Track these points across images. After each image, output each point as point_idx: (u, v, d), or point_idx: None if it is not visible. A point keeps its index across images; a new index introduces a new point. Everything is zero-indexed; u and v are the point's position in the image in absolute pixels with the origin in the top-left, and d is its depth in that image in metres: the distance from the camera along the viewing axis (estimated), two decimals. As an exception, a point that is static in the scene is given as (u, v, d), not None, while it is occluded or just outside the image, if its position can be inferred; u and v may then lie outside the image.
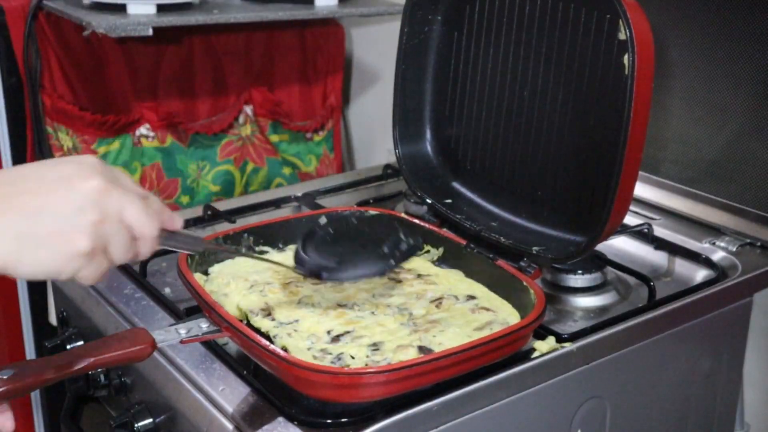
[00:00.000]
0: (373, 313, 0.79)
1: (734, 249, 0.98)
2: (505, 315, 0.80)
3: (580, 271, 0.93)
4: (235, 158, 1.55)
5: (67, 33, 1.36)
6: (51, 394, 1.47)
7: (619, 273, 0.96)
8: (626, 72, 0.75)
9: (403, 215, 0.94)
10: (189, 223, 1.07)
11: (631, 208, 1.10)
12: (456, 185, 1.00)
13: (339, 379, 0.65)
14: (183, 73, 1.48)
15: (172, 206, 1.50)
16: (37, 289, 1.47)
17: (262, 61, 1.55)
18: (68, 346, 0.93)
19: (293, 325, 0.77)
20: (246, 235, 0.90)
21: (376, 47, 1.65)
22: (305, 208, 1.11)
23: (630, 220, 1.07)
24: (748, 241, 0.99)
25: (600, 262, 0.95)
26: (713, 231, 1.03)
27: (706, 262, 0.97)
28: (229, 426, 0.71)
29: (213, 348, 0.80)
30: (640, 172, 1.10)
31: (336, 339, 0.74)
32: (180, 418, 0.77)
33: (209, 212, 1.07)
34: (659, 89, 1.07)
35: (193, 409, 0.75)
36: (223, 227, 1.04)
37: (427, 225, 0.92)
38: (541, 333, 0.81)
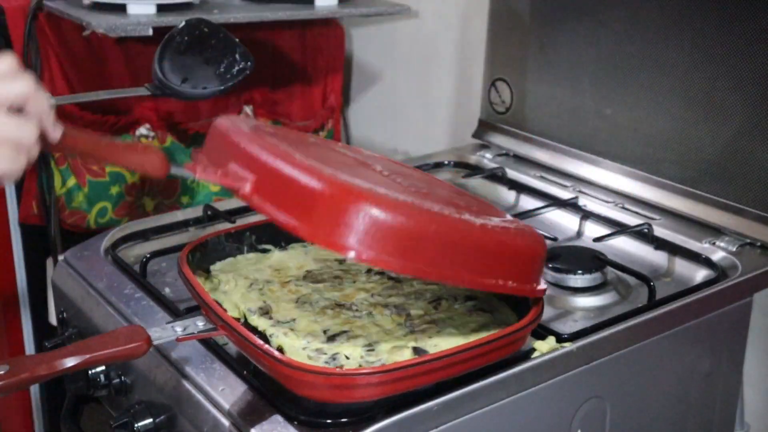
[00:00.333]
0: (370, 313, 0.79)
1: (734, 249, 0.98)
2: (504, 316, 0.80)
3: (580, 271, 0.93)
4: (235, 158, 1.55)
5: (67, 33, 1.36)
6: (51, 394, 1.47)
7: (619, 273, 0.96)
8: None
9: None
10: (189, 223, 1.08)
11: (631, 208, 1.10)
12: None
13: (331, 379, 0.65)
14: (183, 73, 1.48)
15: (173, 206, 1.50)
16: (37, 289, 1.47)
17: (262, 61, 1.55)
18: (68, 346, 0.93)
19: (290, 324, 0.77)
20: (248, 233, 0.91)
21: (376, 47, 1.65)
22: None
23: (630, 220, 1.07)
24: (748, 241, 0.99)
25: (600, 262, 0.95)
26: (713, 231, 1.03)
27: (706, 262, 0.97)
28: (230, 426, 0.71)
29: (213, 348, 0.80)
30: (640, 172, 1.11)
31: (332, 339, 0.74)
32: (180, 418, 0.77)
33: (209, 212, 1.07)
34: (659, 89, 1.07)
35: (193, 409, 0.75)
36: (224, 227, 1.04)
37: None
38: (541, 333, 0.81)
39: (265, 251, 0.91)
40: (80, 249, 1.01)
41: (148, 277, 0.95)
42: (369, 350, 0.73)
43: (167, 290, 0.93)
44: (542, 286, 0.75)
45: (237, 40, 1.00)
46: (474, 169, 1.27)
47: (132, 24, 1.24)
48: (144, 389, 0.83)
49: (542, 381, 0.77)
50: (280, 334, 0.75)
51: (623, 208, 1.10)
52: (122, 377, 0.86)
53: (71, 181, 1.41)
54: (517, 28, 1.25)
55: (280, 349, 0.73)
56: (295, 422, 0.69)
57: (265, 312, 0.79)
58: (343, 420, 0.69)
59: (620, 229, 1.05)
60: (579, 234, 1.10)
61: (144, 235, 1.05)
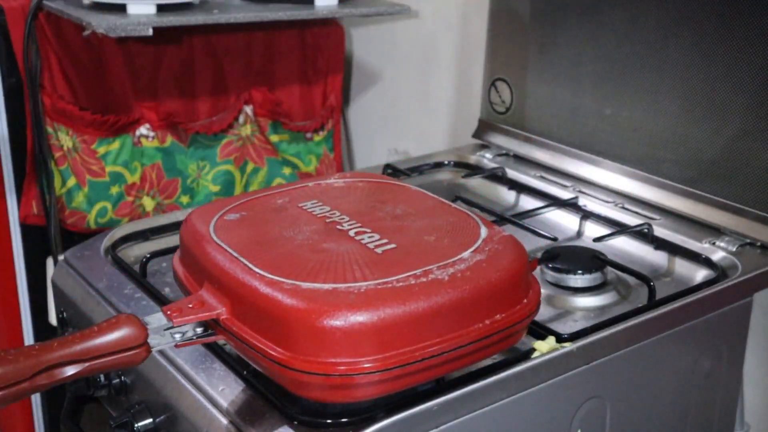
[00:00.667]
0: None
1: (734, 249, 0.98)
2: None
3: (580, 271, 0.93)
4: (235, 158, 1.55)
5: (67, 33, 1.36)
6: (51, 394, 1.47)
7: (619, 273, 0.96)
8: None
9: None
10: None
11: (631, 208, 1.10)
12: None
13: (330, 379, 0.65)
14: (183, 73, 1.48)
15: (173, 206, 1.50)
16: (37, 289, 1.47)
17: (262, 61, 1.55)
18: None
19: None
20: None
21: (376, 47, 1.65)
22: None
23: (630, 220, 1.07)
24: (748, 241, 0.99)
25: (600, 262, 0.95)
26: (713, 231, 1.03)
27: (706, 262, 0.97)
28: (230, 426, 0.71)
29: (213, 348, 0.80)
30: (640, 172, 1.11)
31: None
32: (180, 418, 0.77)
33: (209, 212, 1.07)
34: (659, 89, 1.07)
35: (193, 409, 0.75)
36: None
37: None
38: (541, 333, 0.81)
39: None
40: (80, 249, 1.01)
41: (148, 277, 0.95)
42: None
43: (167, 290, 0.93)
44: (532, 292, 0.74)
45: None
46: (474, 169, 1.27)
47: (132, 24, 1.24)
48: (144, 389, 0.83)
49: (542, 381, 0.77)
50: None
51: (623, 208, 1.10)
52: (122, 377, 0.86)
53: (71, 181, 1.41)
54: (517, 28, 1.25)
55: None
56: (295, 422, 0.69)
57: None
58: (343, 420, 0.69)
59: (620, 229, 1.05)
60: (579, 234, 1.10)
61: (144, 235, 1.05)
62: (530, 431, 0.79)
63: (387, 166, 1.23)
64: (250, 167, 1.58)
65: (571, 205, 1.12)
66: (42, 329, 1.49)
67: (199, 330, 0.72)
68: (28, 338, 1.49)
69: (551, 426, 0.80)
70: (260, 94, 1.55)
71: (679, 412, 0.93)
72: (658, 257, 1.02)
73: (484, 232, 0.77)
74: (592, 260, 0.95)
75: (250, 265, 0.70)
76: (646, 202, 1.10)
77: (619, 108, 1.13)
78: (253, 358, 0.69)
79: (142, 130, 1.46)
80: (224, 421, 0.72)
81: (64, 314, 0.98)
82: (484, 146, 1.33)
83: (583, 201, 1.13)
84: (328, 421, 0.69)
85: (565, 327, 0.87)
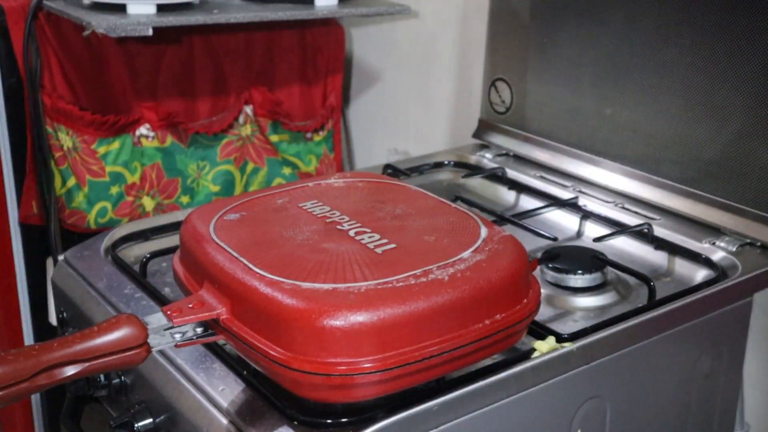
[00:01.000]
0: None
1: (734, 249, 0.98)
2: None
3: (580, 271, 0.93)
4: (235, 158, 1.55)
5: (67, 33, 1.36)
6: (51, 394, 1.47)
7: (619, 273, 0.96)
8: None
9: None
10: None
11: (631, 208, 1.10)
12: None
13: (330, 379, 0.65)
14: (183, 73, 1.48)
15: (173, 206, 1.50)
16: (37, 289, 1.47)
17: (262, 61, 1.55)
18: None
19: None
20: None
21: (376, 47, 1.65)
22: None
23: (630, 220, 1.07)
24: (748, 241, 0.99)
25: (600, 262, 0.95)
26: (713, 231, 1.03)
27: (706, 262, 0.97)
28: (230, 426, 0.71)
29: (213, 348, 0.80)
30: (640, 172, 1.11)
31: None
32: (180, 418, 0.77)
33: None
34: (659, 89, 1.07)
35: (193, 409, 0.75)
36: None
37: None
38: (541, 333, 0.81)
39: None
40: (80, 249, 1.01)
41: (148, 277, 0.95)
42: None
43: (167, 290, 0.93)
44: (532, 292, 0.74)
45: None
46: (474, 169, 1.27)
47: (132, 24, 1.24)
48: (144, 389, 0.83)
49: (542, 381, 0.77)
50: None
51: (623, 208, 1.10)
52: (122, 377, 0.86)
53: (71, 181, 1.41)
54: (517, 28, 1.25)
55: None
56: (295, 422, 0.69)
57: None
58: (343, 420, 0.69)
59: (620, 229, 1.05)
60: (579, 234, 1.10)
61: (144, 235, 1.05)
62: (530, 431, 0.79)
63: (387, 166, 1.23)
64: (250, 167, 1.58)
65: (571, 205, 1.12)
66: (42, 329, 1.49)
67: (199, 330, 0.72)
68: (28, 338, 1.49)
69: (551, 426, 0.80)
70: (260, 94, 1.55)
71: (679, 412, 0.93)
72: (658, 257, 1.02)
73: (484, 232, 0.77)
74: (592, 260, 0.95)
75: (250, 265, 0.70)
76: (646, 202, 1.10)
77: (619, 108, 1.13)
78: (253, 358, 0.69)
79: (142, 130, 1.46)
80: (224, 421, 0.72)
81: (64, 314, 0.98)
82: (484, 146, 1.33)
83: (583, 201, 1.13)
84: (328, 421, 0.69)
85: (565, 327, 0.87)
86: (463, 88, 1.48)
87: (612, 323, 0.83)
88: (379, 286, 0.67)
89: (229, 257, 0.72)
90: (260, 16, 1.38)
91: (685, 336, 0.89)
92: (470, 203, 1.11)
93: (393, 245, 0.74)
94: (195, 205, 1.43)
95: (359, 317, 0.64)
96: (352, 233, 0.76)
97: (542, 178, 1.21)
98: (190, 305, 0.71)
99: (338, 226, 0.78)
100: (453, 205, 0.84)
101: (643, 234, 1.03)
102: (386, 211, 0.81)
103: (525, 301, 0.73)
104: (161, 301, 0.89)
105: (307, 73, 1.60)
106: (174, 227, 1.06)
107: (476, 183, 1.24)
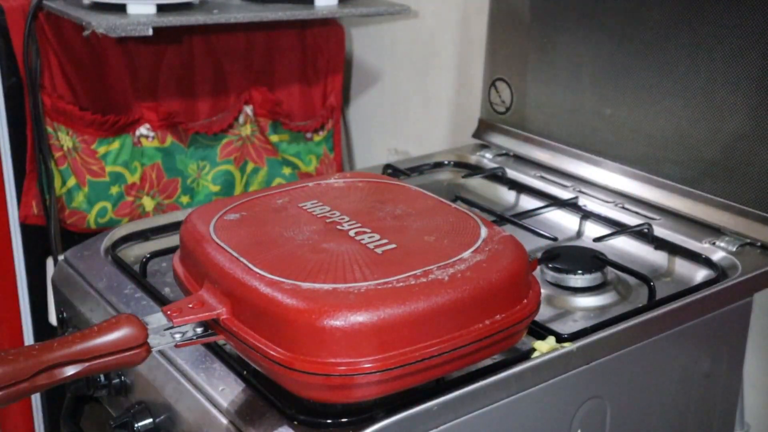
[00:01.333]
0: None
1: (734, 249, 0.98)
2: None
3: (580, 271, 0.93)
4: (235, 158, 1.55)
5: (67, 33, 1.36)
6: (51, 394, 1.47)
7: (619, 273, 0.96)
8: None
9: None
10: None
11: (631, 208, 1.10)
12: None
13: (330, 380, 0.65)
14: (183, 73, 1.48)
15: (173, 206, 1.50)
16: (37, 289, 1.47)
17: (262, 61, 1.55)
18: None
19: None
20: None
21: (376, 47, 1.65)
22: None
23: (630, 220, 1.07)
24: (748, 241, 0.99)
25: (600, 262, 0.95)
26: (713, 231, 1.03)
27: (706, 262, 0.97)
28: (230, 426, 0.71)
29: (213, 348, 0.80)
30: (640, 172, 1.11)
31: None
32: (180, 418, 0.77)
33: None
34: (659, 89, 1.07)
35: (193, 409, 0.75)
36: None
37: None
38: (541, 333, 0.81)
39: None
40: (80, 249, 1.01)
41: (148, 277, 0.95)
42: None
43: (167, 290, 0.93)
44: (532, 293, 0.74)
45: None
46: (474, 169, 1.27)
47: (132, 24, 1.24)
48: (144, 389, 0.83)
49: (542, 381, 0.77)
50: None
51: (623, 208, 1.10)
52: (122, 377, 0.86)
53: (71, 181, 1.41)
54: (517, 28, 1.25)
55: None
56: (295, 422, 0.69)
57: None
58: (343, 420, 0.69)
59: (620, 229, 1.05)
60: (579, 234, 1.10)
61: (144, 235, 1.05)
62: (530, 431, 0.79)
63: (387, 166, 1.23)
64: (250, 167, 1.58)
65: (571, 205, 1.12)
66: (42, 329, 1.49)
67: (199, 330, 0.72)
68: (28, 338, 1.49)
69: (551, 426, 0.80)
70: (260, 94, 1.55)
71: (679, 412, 0.93)
72: (658, 257, 1.02)
73: (484, 232, 0.77)
74: (592, 260, 0.95)
75: (250, 265, 0.70)
76: (646, 202, 1.10)
77: (619, 108, 1.13)
78: (253, 358, 0.69)
79: (142, 130, 1.46)
80: (224, 421, 0.72)
81: (64, 314, 0.98)
82: (484, 146, 1.33)
83: (583, 201, 1.13)
84: (328, 421, 0.69)
85: (565, 327, 0.87)
86: (463, 88, 1.48)
87: (612, 323, 0.83)
88: (379, 287, 0.67)
89: (229, 257, 0.72)
90: (260, 16, 1.38)
91: (685, 336, 0.89)
92: (470, 203, 1.11)
93: (393, 245, 0.74)
94: (195, 205, 1.43)
95: (359, 317, 0.64)
96: (352, 233, 0.76)
97: (542, 178, 1.21)
98: (190, 305, 0.71)
99: (338, 226, 0.78)
100: (453, 205, 0.84)
101: (643, 234, 1.03)
102: (386, 211, 0.81)
103: (525, 301, 0.73)
104: (161, 301, 0.89)
105: (307, 73, 1.60)
106: (174, 227, 1.06)
107: (476, 183, 1.24)
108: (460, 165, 1.30)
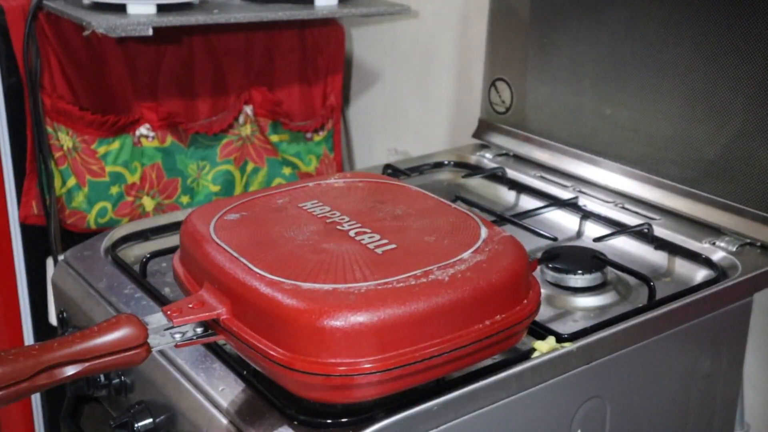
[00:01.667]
0: None
1: (734, 249, 0.98)
2: None
3: (580, 271, 0.93)
4: (235, 158, 1.55)
5: (67, 33, 1.36)
6: (51, 394, 1.47)
7: (619, 273, 0.96)
8: None
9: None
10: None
11: (631, 208, 1.10)
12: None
13: (330, 380, 0.65)
14: (183, 73, 1.48)
15: (173, 206, 1.50)
16: (37, 289, 1.47)
17: (262, 61, 1.55)
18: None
19: None
20: None
21: (376, 47, 1.65)
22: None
23: (630, 220, 1.07)
24: (748, 241, 0.99)
25: (600, 262, 0.95)
26: (713, 231, 1.03)
27: (706, 262, 0.97)
28: (230, 426, 0.71)
29: (213, 348, 0.80)
30: (640, 172, 1.11)
31: None
32: (180, 418, 0.77)
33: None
34: (659, 89, 1.07)
35: (193, 409, 0.75)
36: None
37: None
38: (541, 333, 0.81)
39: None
40: (80, 249, 1.01)
41: (148, 277, 0.95)
42: None
43: (167, 290, 0.93)
44: (532, 293, 0.74)
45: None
46: (474, 169, 1.27)
47: (132, 24, 1.24)
48: (144, 389, 0.83)
49: (542, 381, 0.77)
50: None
51: (623, 208, 1.10)
52: (122, 377, 0.86)
53: (71, 181, 1.41)
54: (517, 28, 1.25)
55: None
56: (295, 422, 0.69)
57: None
58: (343, 420, 0.69)
59: (620, 229, 1.05)
60: (579, 234, 1.10)
61: (144, 235, 1.05)
62: (530, 431, 0.79)
63: (387, 166, 1.23)
64: (250, 167, 1.58)
65: (571, 205, 1.12)
66: (42, 329, 1.49)
67: (199, 330, 0.72)
68: (28, 338, 1.49)
69: (551, 426, 0.80)
70: (260, 94, 1.55)
71: (679, 412, 0.93)
72: (658, 257, 1.02)
73: (484, 232, 0.77)
74: (592, 260, 0.95)
75: (250, 265, 0.70)
76: (646, 202, 1.10)
77: (619, 108, 1.13)
78: (253, 358, 0.69)
79: (142, 130, 1.46)
80: (224, 421, 0.72)
81: (64, 314, 0.98)
82: (484, 146, 1.33)
83: (583, 201, 1.13)
84: (328, 421, 0.69)
85: (565, 327, 0.87)
86: (463, 88, 1.48)
87: (612, 323, 0.83)
88: (380, 287, 0.67)
89: (229, 257, 0.72)
90: (260, 16, 1.38)
91: (685, 336, 0.89)
92: (470, 203, 1.11)
93: (393, 246, 0.74)
94: (195, 205, 1.43)
95: (359, 318, 0.64)
96: (352, 233, 0.76)
97: (542, 178, 1.21)
98: (190, 305, 0.71)
99: (338, 227, 0.78)
100: (453, 205, 0.84)
101: (643, 234, 1.03)
102: (386, 212, 0.81)
103: (525, 301, 0.73)
104: (161, 301, 0.89)
105: (307, 73, 1.60)
106: (174, 227, 1.06)
107: (476, 183, 1.24)
108: (460, 165, 1.30)
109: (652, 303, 0.87)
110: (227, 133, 1.54)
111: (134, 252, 1.04)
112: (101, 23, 1.21)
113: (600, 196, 1.13)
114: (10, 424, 1.52)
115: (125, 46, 1.41)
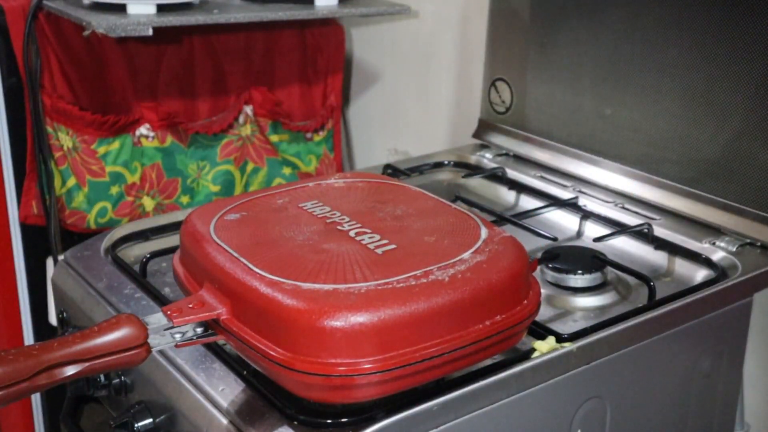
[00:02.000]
0: None
1: (734, 249, 0.98)
2: None
3: (580, 271, 0.93)
4: (235, 158, 1.55)
5: (67, 33, 1.36)
6: (51, 394, 1.47)
7: (619, 273, 0.96)
8: None
9: None
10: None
11: (631, 208, 1.10)
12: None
13: (330, 380, 0.65)
14: (183, 73, 1.48)
15: (173, 206, 1.50)
16: (37, 289, 1.47)
17: (262, 61, 1.55)
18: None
19: None
20: None
21: (376, 47, 1.65)
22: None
23: (630, 220, 1.07)
24: (748, 241, 0.99)
25: (600, 262, 0.95)
26: (713, 231, 1.03)
27: (706, 262, 0.97)
28: (230, 426, 0.71)
29: (213, 348, 0.80)
30: (640, 172, 1.11)
31: None
32: (180, 418, 0.77)
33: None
34: (659, 89, 1.07)
35: (193, 409, 0.75)
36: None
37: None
38: (541, 333, 0.81)
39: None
40: (80, 249, 1.01)
41: (148, 277, 0.95)
42: None
43: (167, 290, 0.93)
44: (532, 293, 0.74)
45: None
46: (474, 169, 1.27)
47: (132, 24, 1.24)
48: (144, 389, 0.83)
49: (542, 381, 0.77)
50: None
51: (623, 208, 1.10)
52: (122, 377, 0.86)
53: (71, 181, 1.41)
54: (517, 28, 1.25)
55: None
56: (295, 422, 0.69)
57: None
58: (343, 420, 0.69)
59: (620, 229, 1.05)
60: (579, 234, 1.10)
61: (144, 235, 1.05)
62: (530, 431, 0.79)
63: (387, 166, 1.23)
64: (250, 167, 1.58)
65: (571, 205, 1.12)
66: (42, 329, 1.49)
67: (199, 330, 0.72)
68: (28, 338, 1.49)
69: (551, 426, 0.80)
70: (260, 94, 1.55)
71: (679, 412, 0.93)
72: (658, 257, 1.02)
73: (484, 232, 0.77)
74: (592, 260, 0.95)
75: (251, 266, 0.70)
76: (646, 202, 1.10)
77: (619, 108, 1.13)
78: (253, 358, 0.69)
79: (142, 130, 1.46)
80: (224, 421, 0.72)
81: (64, 314, 0.98)
82: (484, 146, 1.33)
83: (583, 201, 1.13)
84: (328, 421, 0.69)
85: (565, 327, 0.87)
86: (463, 88, 1.48)
87: (612, 323, 0.83)
88: (380, 287, 0.67)
89: (229, 257, 0.72)
90: (260, 16, 1.38)
91: (685, 336, 0.89)
92: (470, 203, 1.11)
93: (393, 246, 0.74)
94: (195, 205, 1.43)
95: (359, 318, 0.64)
96: (352, 234, 0.76)
97: (542, 178, 1.21)
98: (191, 305, 0.71)
99: (338, 227, 0.78)
100: (453, 205, 0.84)
101: (643, 234, 1.03)
102: (386, 212, 0.81)
103: (525, 302, 0.73)
104: (161, 301, 0.89)
105: (307, 73, 1.60)
106: (174, 227, 1.06)
107: (476, 183, 1.24)
108: (460, 165, 1.30)
109: (652, 303, 0.87)
110: (227, 133, 1.54)
111: (134, 252, 1.04)
112: (101, 23, 1.21)
113: (600, 196, 1.13)
114: (10, 424, 1.52)
115: (125, 46, 1.41)
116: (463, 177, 1.25)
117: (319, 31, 1.59)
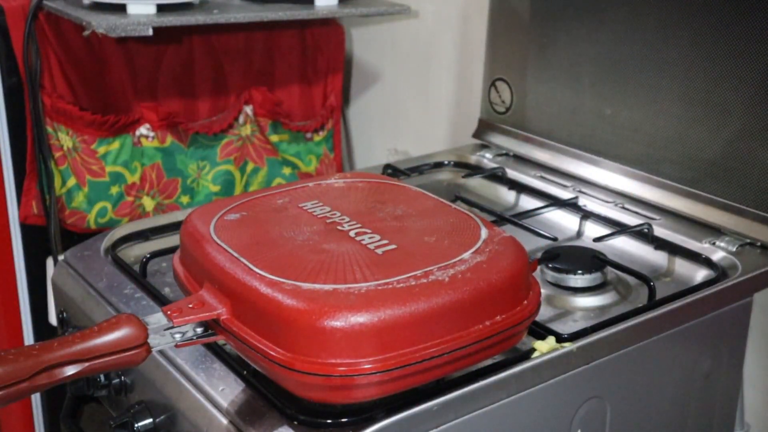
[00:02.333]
0: None
1: (734, 249, 0.98)
2: None
3: (580, 271, 0.93)
4: (235, 158, 1.55)
5: (67, 33, 1.36)
6: (51, 394, 1.47)
7: (619, 273, 0.96)
8: None
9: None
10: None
11: (631, 208, 1.10)
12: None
13: (330, 380, 0.65)
14: (183, 73, 1.48)
15: (173, 206, 1.50)
16: (37, 289, 1.47)
17: (262, 61, 1.55)
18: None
19: None
20: None
21: (376, 47, 1.65)
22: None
23: (630, 220, 1.07)
24: (748, 241, 0.99)
25: (600, 262, 0.95)
26: (713, 231, 1.03)
27: (706, 262, 0.97)
28: (230, 426, 0.71)
29: (213, 348, 0.80)
30: (640, 172, 1.11)
31: None
32: (180, 418, 0.77)
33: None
34: (659, 89, 1.07)
35: (193, 409, 0.75)
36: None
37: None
38: (541, 333, 0.81)
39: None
40: (80, 249, 1.01)
41: (148, 277, 0.95)
42: None
43: (167, 290, 0.93)
44: (533, 294, 0.74)
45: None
46: (474, 169, 1.27)
47: (132, 24, 1.24)
48: (144, 389, 0.83)
49: (542, 381, 0.77)
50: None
51: (623, 208, 1.10)
52: (122, 377, 0.86)
53: (71, 181, 1.41)
54: (517, 28, 1.25)
55: None
56: (295, 422, 0.69)
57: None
58: (343, 420, 0.69)
59: (620, 229, 1.05)
60: (579, 234, 1.10)
61: (144, 235, 1.05)
62: (530, 431, 0.79)
63: (387, 166, 1.23)
64: (250, 167, 1.58)
65: (571, 205, 1.12)
66: (42, 329, 1.49)
67: (199, 330, 0.72)
68: (28, 338, 1.49)
69: (551, 426, 0.80)
70: (260, 94, 1.55)
71: (679, 413, 0.93)
72: (658, 257, 1.02)
73: (484, 233, 0.77)
74: (592, 260, 0.95)
75: (251, 266, 0.70)
76: (646, 202, 1.10)
77: (619, 108, 1.13)
78: (254, 358, 0.69)
79: (142, 130, 1.46)
80: (224, 421, 0.72)
81: (64, 314, 0.98)
82: (484, 146, 1.33)
83: (583, 201, 1.13)
84: (328, 421, 0.69)
85: (565, 327, 0.87)
86: (463, 88, 1.48)
87: (612, 323, 0.83)
88: (380, 287, 0.67)
89: (229, 257, 0.72)
90: (260, 16, 1.38)
91: (685, 336, 0.89)
92: (470, 203, 1.11)
93: (393, 246, 0.74)
94: (195, 205, 1.43)
95: (360, 318, 0.64)
96: (352, 234, 0.76)
97: (542, 178, 1.21)
98: (191, 305, 0.71)
99: (338, 227, 0.78)
100: (453, 205, 0.84)
101: (643, 234, 1.03)
102: (386, 212, 0.81)
103: (525, 302, 0.73)
104: (161, 301, 0.89)
105: (307, 73, 1.60)
106: (174, 227, 1.06)
107: (476, 183, 1.24)
108: (460, 165, 1.30)
109: (652, 303, 0.87)
110: (227, 133, 1.54)
111: (134, 252, 1.04)
112: (101, 23, 1.21)
113: (600, 196, 1.13)
114: (10, 424, 1.52)
115: (125, 46, 1.41)
116: (463, 177, 1.25)
117: (319, 31, 1.59)
